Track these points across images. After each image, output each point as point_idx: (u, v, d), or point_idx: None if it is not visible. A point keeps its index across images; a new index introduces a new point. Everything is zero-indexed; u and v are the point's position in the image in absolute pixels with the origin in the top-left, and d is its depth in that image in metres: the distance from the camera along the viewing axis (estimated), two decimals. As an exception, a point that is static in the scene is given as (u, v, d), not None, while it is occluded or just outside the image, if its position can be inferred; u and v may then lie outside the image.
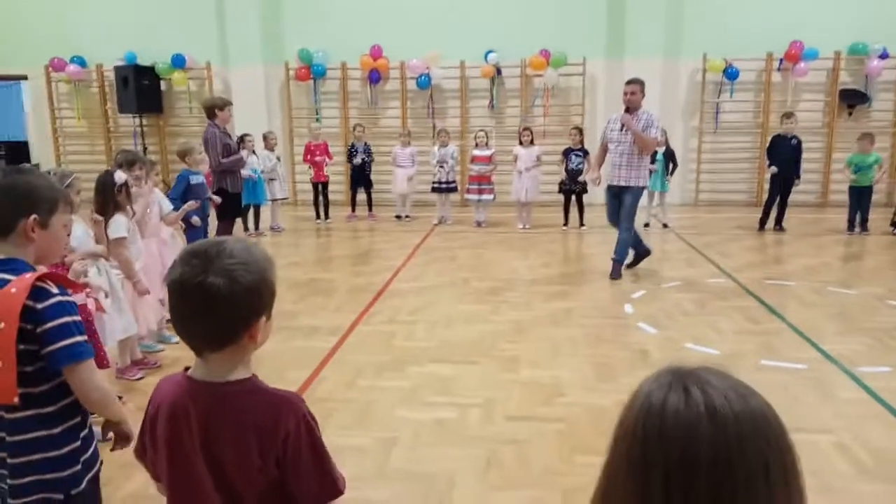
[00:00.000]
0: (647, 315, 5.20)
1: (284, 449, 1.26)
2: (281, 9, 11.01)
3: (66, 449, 1.71)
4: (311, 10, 10.88)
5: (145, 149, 11.17)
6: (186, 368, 1.32)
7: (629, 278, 6.33)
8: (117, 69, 10.96)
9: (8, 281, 1.65)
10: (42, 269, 1.69)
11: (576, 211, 8.90)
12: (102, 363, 3.39)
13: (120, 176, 4.19)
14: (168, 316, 4.98)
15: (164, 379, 1.37)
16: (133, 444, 1.49)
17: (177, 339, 4.79)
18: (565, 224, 8.89)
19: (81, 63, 11.42)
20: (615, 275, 6.30)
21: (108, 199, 4.03)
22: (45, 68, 11.46)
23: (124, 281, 4.04)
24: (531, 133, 8.94)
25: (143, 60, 11.11)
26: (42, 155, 12.21)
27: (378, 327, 4.99)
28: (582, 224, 8.85)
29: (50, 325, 1.62)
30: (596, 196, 10.55)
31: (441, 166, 9.17)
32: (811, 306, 5.38)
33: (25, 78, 11.88)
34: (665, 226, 8.85)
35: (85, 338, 1.69)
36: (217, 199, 6.18)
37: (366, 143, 9.44)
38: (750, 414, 0.80)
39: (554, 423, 3.46)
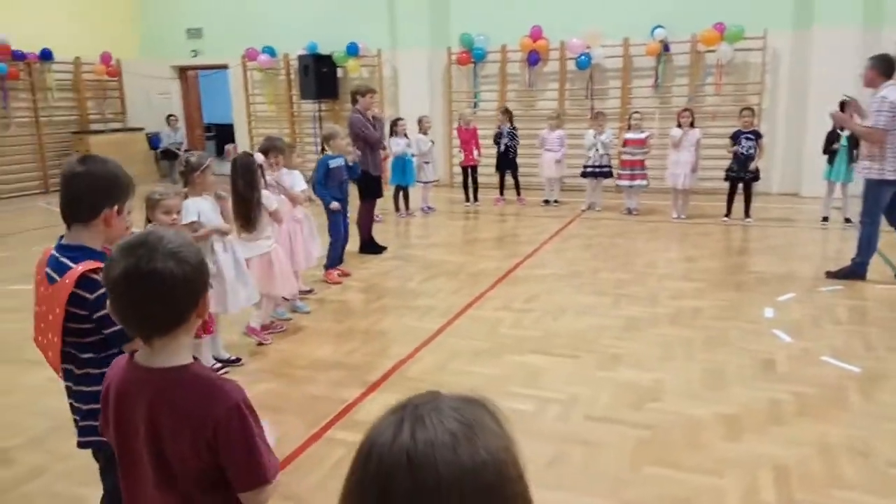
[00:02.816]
0: (789, 321, 4.65)
1: (215, 437, 1.32)
2: (448, -4, 11.24)
3: None
4: (476, -3, 10.98)
5: (321, 131, 12.07)
6: (133, 353, 1.42)
7: (781, 279, 5.68)
8: (300, 58, 11.92)
9: (69, 267, 1.84)
10: (91, 263, 1.83)
11: (742, 201, 8.12)
12: (202, 332, 3.79)
13: (259, 157, 4.62)
14: (304, 288, 5.43)
15: (117, 359, 1.48)
16: None
17: (308, 308, 5.20)
18: (727, 215, 8.15)
19: (271, 53, 12.57)
20: (841, 274, 5.57)
21: (250, 178, 4.43)
22: (242, 58, 12.78)
23: (277, 251, 4.51)
24: (691, 114, 8.29)
25: (323, 49, 11.94)
26: (240, 136, 13.69)
27: (489, 312, 5.00)
28: (747, 216, 8.05)
29: (100, 313, 1.81)
30: (770, 185, 9.63)
31: (596, 149, 8.83)
32: None
33: (227, 67, 13.35)
34: (847, 221, 7.78)
35: None
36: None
37: (511, 127, 9.36)
38: (457, 468, 0.71)
39: (637, 430, 3.25)
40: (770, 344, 4.28)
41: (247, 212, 4.24)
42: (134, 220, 2.06)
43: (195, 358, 1.42)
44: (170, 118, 13.10)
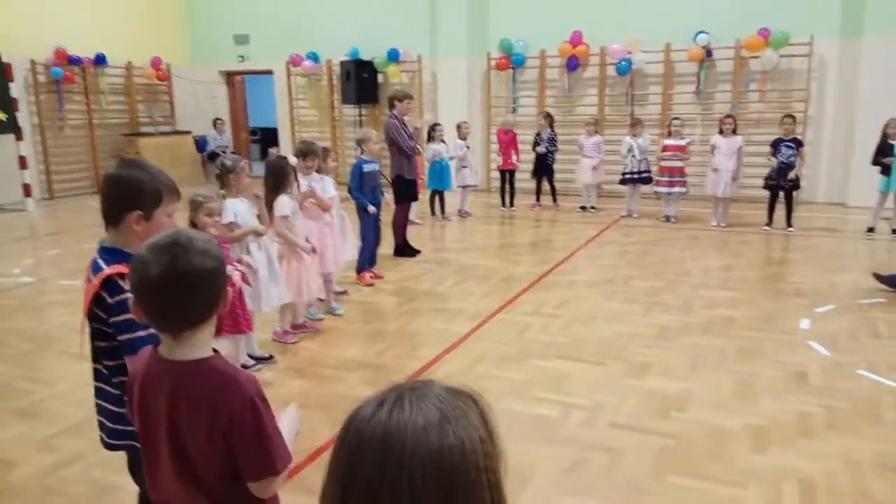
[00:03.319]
0: (825, 333, 4.55)
1: (229, 426, 1.38)
2: (487, 4, 11.26)
3: None
4: (515, 3, 10.98)
5: (361, 136, 12.22)
6: (156, 345, 1.49)
7: (821, 290, 5.55)
8: (342, 64, 12.12)
9: (101, 269, 1.85)
10: (119, 267, 1.82)
11: (783, 210, 7.94)
12: (245, 328, 3.90)
13: (293, 159, 4.72)
14: (337, 289, 5.50)
15: (142, 350, 1.55)
16: None
17: (341, 310, 5.29)
18: (768, 224, 7.98)
19: (315, 59, 12.80)
20: (890, 280, 5.42)
21: (278, 181, 4.55)
22: (287, 64, 13.05)
23: (288, 256, 4.56)
24: (734, 121, 8.15)
25: (365, 56, 12.12)
26: (283, 140, 13.98)
27: (517, 317, 5.01)
28: (789, 225, 7.87)
29: (116, 319, 1.81)
30: (815, 194, 9.40)
31: (633, 156, 8.76)
32: None
33: (272, 72, 13.65)
34: (895, 232, 7.55)
35: (146, 332, 1.74)
36: (390, 201, 6.53)
37: (552, 133, 9.34)
38: (423, 448, 0.75)
39: (661, 438, 3.23)
40: (805, 356, 4.19)
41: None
42: (178, 222, 2.07)
43: (215, 351, 1.48)
44: (216, 122, 13.44)
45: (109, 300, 1.82)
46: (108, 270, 1.84)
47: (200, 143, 13.74)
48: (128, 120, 13.05)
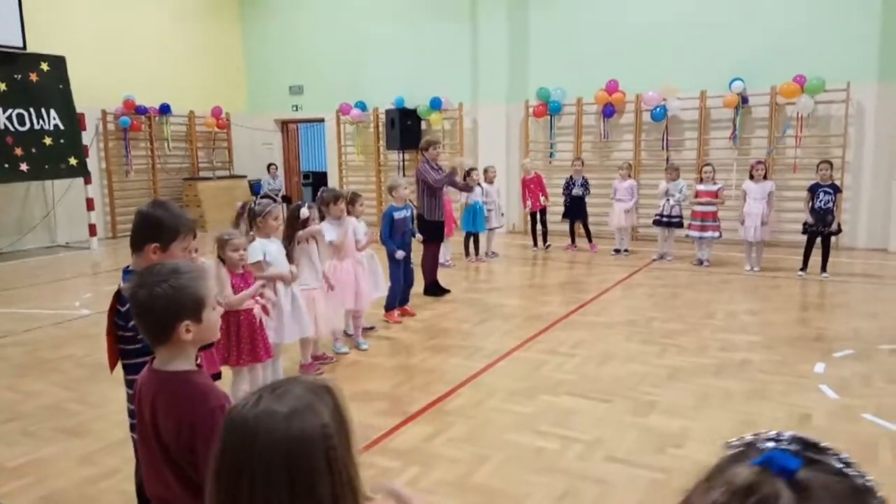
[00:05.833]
0: (838, 378, 4.56)
1: (191, 430, 1.62)
2: (527, 54, 11.69)
3: None
4: (554, 54, 11.36)
5: (404, 180, 12.69)
6: (153, 358, 1.78)
7: (842, 335, 5.53)
8: (388, 112, 12.71)
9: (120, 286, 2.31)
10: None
11: (819, 255, 7.88)
12: (264, 356, 4.20)
13: (304, 212, 5.07)
14: (365, 325, 5.81)
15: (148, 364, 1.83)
16: None
17: (366, 345, 5.58)
18: (803, 269, 7.93)
19: (363, 107, 13.45)
20: None
21: (294, 227, 4.92)
22: (336, 112, 13.74)
23: (310, 292, 4.89)
24: (765, 167, 8.21)
25: (409, 104, 12.68)
26: (332, 184, 14.58)
27: (534, 355, 5.18)
28: (824, 271, 7.80)
29: (132, 322, 2.15)
30: (856, 239, 9.27)
31: (668, 200, 8.88)
32: None
33: (323, 120, 14.37)
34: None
35: None
36: (420, 237, 6.90)
37: (584, 177, 9.57)
38: (273, 436, 0.97)
39: (654, 472, 3.35)
40: (812, 399, 4.22)
41: None
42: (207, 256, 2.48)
43: (199, 366, 1.77)
44: (270, 167, 14.18)
45: (121, 309, 2.25)
46: (119, 286, 2.28)
47: (255, 187, 14.47)
48: (189, 165, 13.90)
